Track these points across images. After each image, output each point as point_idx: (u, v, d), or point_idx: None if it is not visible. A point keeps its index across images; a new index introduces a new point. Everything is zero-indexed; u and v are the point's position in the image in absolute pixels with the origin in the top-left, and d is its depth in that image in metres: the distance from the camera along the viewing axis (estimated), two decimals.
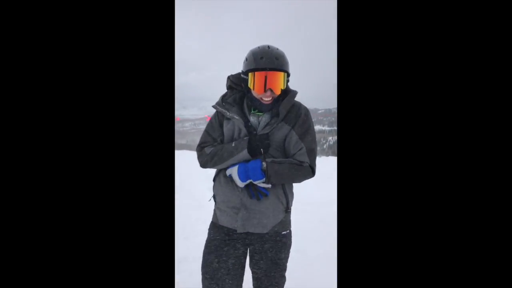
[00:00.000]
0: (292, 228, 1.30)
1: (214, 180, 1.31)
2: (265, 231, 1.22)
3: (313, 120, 1.30)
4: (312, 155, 1.23)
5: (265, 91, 1.15)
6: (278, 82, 1.16)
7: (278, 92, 1.17)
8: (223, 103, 1.26)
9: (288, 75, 1.20)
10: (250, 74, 1.17)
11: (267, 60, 1.15)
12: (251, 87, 1.17)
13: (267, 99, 1.19)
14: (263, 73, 1.14)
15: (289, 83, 1.27)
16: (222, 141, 1.29)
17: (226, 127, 1.26)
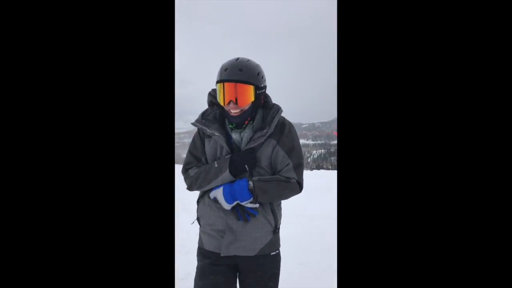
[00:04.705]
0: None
1: (198, 202, 1.25)
2: (252, 254, 1.16)
3: (297, 133, 1.25)
4: (299, 170, 1.19)
5: (228, 103, 1.12)
6: (241, 94, 1.11)
7: (241, 104, 1.12)
8: (203, 120, 1.21)
9: (260, 88, 1.15)
10: (217, 86, 1.14)
11: (230, 72, 1.11)
12: (219, 100, 1.14)
13: (233, 111, 1.13)
14: (227, 84, 1.11)
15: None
16: (206, 161, 1.23)
17: (208, 145, 1.22)
